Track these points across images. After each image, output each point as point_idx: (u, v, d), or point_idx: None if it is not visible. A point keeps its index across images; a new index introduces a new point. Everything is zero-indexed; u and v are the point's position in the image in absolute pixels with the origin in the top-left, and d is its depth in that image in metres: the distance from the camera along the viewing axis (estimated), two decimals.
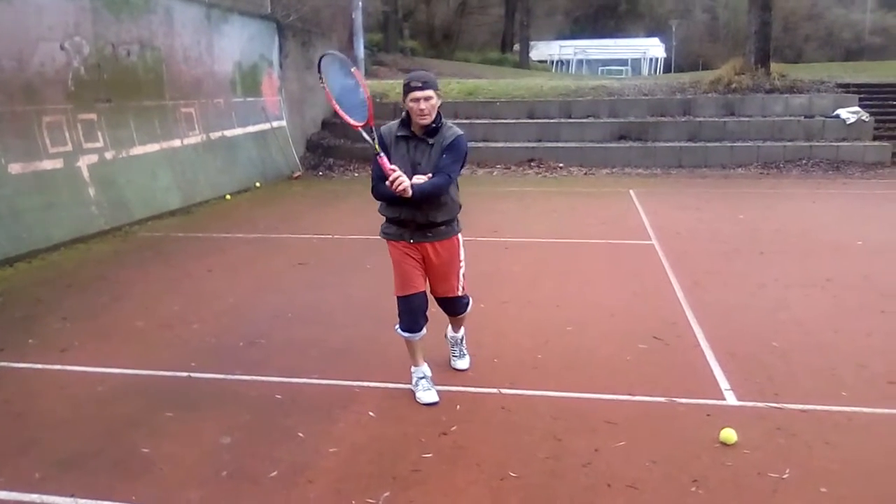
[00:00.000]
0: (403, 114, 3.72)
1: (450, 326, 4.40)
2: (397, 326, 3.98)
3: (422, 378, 4.01)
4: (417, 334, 3.94)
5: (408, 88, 3.60)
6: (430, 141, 3.69)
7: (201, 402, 4.01)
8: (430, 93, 3.58)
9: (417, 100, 3.57)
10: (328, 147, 16.01)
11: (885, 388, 4.07)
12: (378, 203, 3.91)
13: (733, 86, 16.27)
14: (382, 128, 3.74)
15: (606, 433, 3.56)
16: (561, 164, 14.82)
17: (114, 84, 9.50)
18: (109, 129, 9.37)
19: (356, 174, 14.80)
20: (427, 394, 3.94)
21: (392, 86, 18.65)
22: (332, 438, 3.54)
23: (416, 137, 3.70)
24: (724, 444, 3.42)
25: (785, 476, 3.15)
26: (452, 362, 4.41)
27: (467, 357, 4.44)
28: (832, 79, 17.09)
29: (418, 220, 3.79)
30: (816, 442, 3.45)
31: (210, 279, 6.74)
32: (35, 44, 8.14)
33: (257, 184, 12.86)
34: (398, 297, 3.93)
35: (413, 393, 3.99)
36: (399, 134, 3.70)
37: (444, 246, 3.89)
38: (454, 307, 4.14)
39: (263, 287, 6.40)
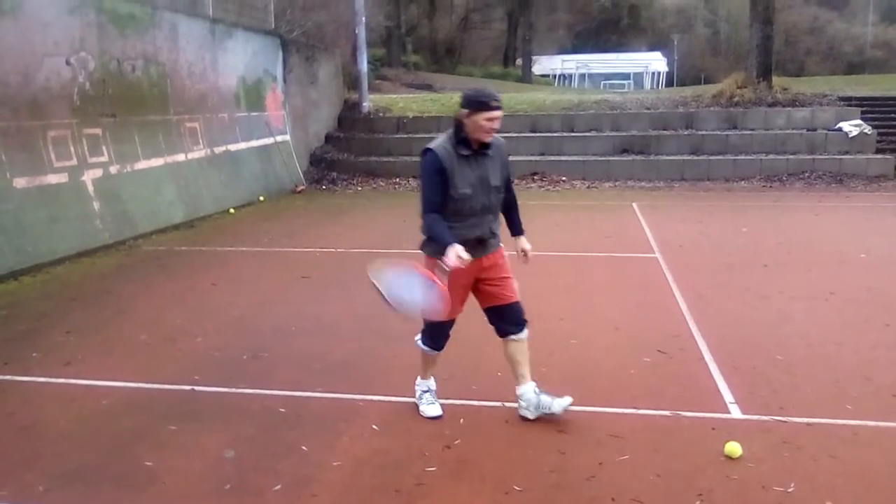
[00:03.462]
0: (453, 131, 3.55)
1: (521, 381, 3.84)
2: (420, 341, 3.90)
3: (426, 391, 3.99)
4: (440, 351, 3.91)
5: (485, 107, 3.44)
6: (489, 153, 3.62)
7: (205, 415, 4.01)
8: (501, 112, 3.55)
9: (493, 119, 3.47)
10: (331, 161, 16.07)
11: (890, 401, 4.06)
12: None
13: (735, 99, 16.31)
14: (438, 152, 3.50)
15: (611, 446, 3.55)
16: (564, 178, 14.85)
17: (119, 99, 9.57)
18: (114, 143, 9.41)
19: (359, 188, 14.84)
20: (431, 407, 3.93)
21: (395, 100, 18.76)
22: (336, 452, 3.54)
23: (476, 153, 3.58)
24: (728, 457, 3.40)
25: (790, 490, 3.13)
26: (550, 407, 3.80)
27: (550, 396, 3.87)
28: (834, 92, 17.13)
29: (484, 234, 3.70)
30: (822, 455, 3.44)
31: (214, 293, 6.75)
32: (41, 59, 8.20)
33: (261, 198, 12.90)
34: (434, 323, 3.74)
35: (416, 406, 3.99)
36: (463, 154, 3.53)
37: (497, 254, 3.82)
38: (518, 313, 3.82)
39: (267, 300, 6.41)
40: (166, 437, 3.74)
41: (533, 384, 3.85)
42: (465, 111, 3.48)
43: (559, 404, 3.78)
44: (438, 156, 3.50)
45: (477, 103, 3.46)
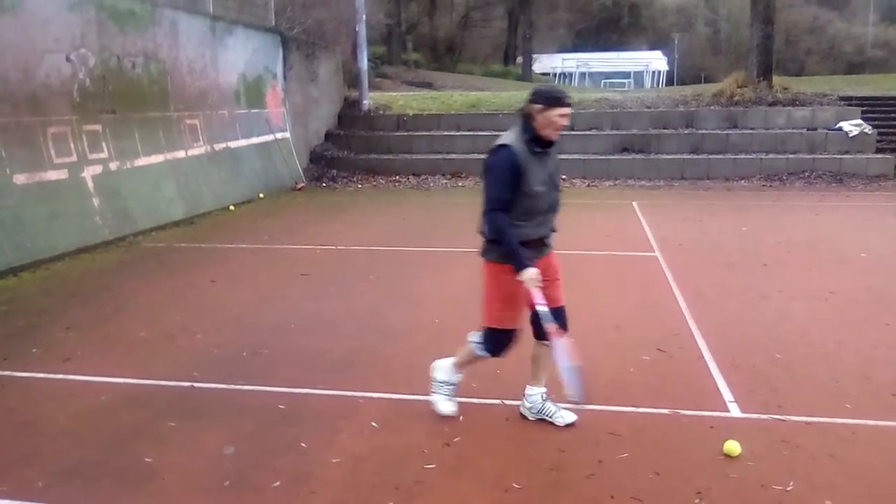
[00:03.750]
0: (521, 128, 3.48)
1: (535, 383, 3.84)
2: (481, 349, 3.71)
3: (449, 384, 3.90)
4: (497, 357, 3.81)
5: (559, 102, 3.42)
6: (551, 151, 3.61)
7: (204, 411, 4.01)
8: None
9: (565, 116, 3.46)
10: (331, 158, 16.07)
11: (889, 400, 4.06)
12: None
13: (736, 98, 16.31)
14: (515, 148, 3.42)
15: (610, 445, 3.56)
16: (564, 177, 14.79)
17: (119, 95, 9.56)
18: (114, 140, 9.41)
19: (359, 186, 14.84)
20: (446, 404, 3.88)
21: (395, 98, 18.76)
22: (335, 449, 3.54)
23: (545, 151, 3.55)
24: (727, 456, 3.41)
25: (789, 488, 3.14)
26: (552, 417, 3.81)
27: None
28: (834, 92, 17.13)
29: (546, 234, 3.69)
30: (821, 454, 3.44)
31: (213, 289, 6.75)
32: (41, 55, 8.19)
33: (261, 195, 12.90)
34: (503, 329, 3.62)
35: (419, 401, 3.98)
36: (536, 151, 3.47)
37: (552, 254, 3.80)
38: (563, 319, 3.72)
39: (266, 297, 6.41)
40: (166, 433, 3.74)
41: (544, 390, 3.83)
42: (538, 107, 3.42)
43: (562, 418, 3.77)
44: (516, 152, 3.41)
45: (552, 98, 3.43)
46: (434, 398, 3.91)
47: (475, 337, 3.78)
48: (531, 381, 3.84)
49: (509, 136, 3.50)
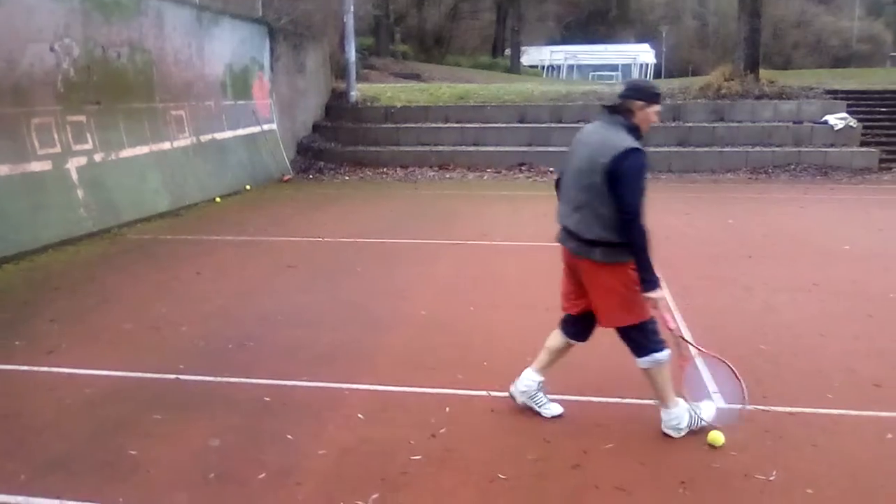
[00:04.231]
0: (626, 126, 3.39)
1: (536, 369, 3.82)
2: (657, 350, 3.47)
3: (699, 408, 3.65)
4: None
5: (659, 99, 3.45)
6: None
7: (189, 404, 3.99)
8: None
9: (659, 113, 3.47)
10: (318, 150, 16.01)
11: (871, 390, 4.10)
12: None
13: (723, 91, 16.36)
14: (645, 154, 3.33)
15: (595, 435, 3.57)
16: (552, 169, 14.83)
17: (103, 86, 9.46)
18: (98, 131, 9.33)
19: (346, 178, 14.79)
20: (710, 405, 3.68)
21: (383, 89, 18.68)
22: (321, 441, 3.54)
23: None
24: (711, 446, 3.43)
25: (772, 478, 3.16)
26: (539, 405, 3.82)
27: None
28: (820, 85, 17.21)
29: None
30: (803, 444, 3.48)
31: (199, 282, 6.71)
32: (24, 45, 8.09)
33: (247, 187, 12.83)
34: (651, 320, 3.47)
35: (407, 395, 3.97)
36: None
37: None
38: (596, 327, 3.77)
39: (252, 290, 6.39)
40: (150, 426, 3.72)
41: (543, 380, 3.81)
42: (641, 103, 3.39)
43: (549, 410, 3.78)
44: (645, 155, 3.32)
45: (654, 95, 3.43)
46: (702, 418, 3.60)
47: (644, 357, 3.49)
48: (535, 367, 3.81)
49: (626, 137, 3.34)
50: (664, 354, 3.48)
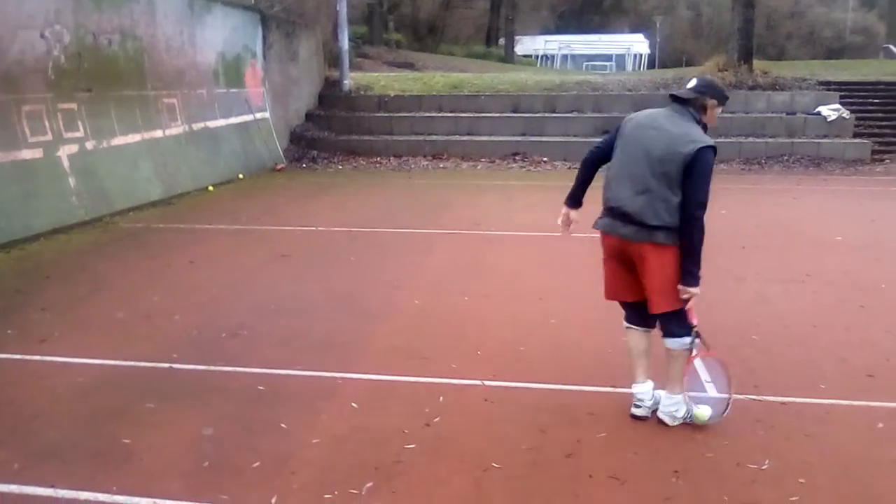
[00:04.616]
0: (696, 122, 3.44)
1: (645, 378, 3.74)
2: (688, 335, 3.51)
3: (690, 395, 3.69)
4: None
5: (726, 101, 3.53)
6: None
7: (183, 393, 3.98)
8: None
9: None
10: (312, 139, 15.94)
11: (863, 380, 4.13)
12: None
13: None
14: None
15: (589, 424, 3.58)
16: (545, 159, 14.85)
17: (94, 73, 9.39)
18: (90, 118, 9.26)
19: (340, 167, 14.75)
20: (705, 409, 3.61)
21: (377, 78, 18.60)
22: (315, 429, 3.54)
23: None
24: (696, 419, 3.52)
25: (764, 467, 3.18)
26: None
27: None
28: (814, 76, 17.23)
29: None
30: (795, 434, 3.50)
31: (191, 270, 6.69)
32: (14, 32, 8.01)
33: (240, 175, 12.78)
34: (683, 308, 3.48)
35: (400, 384, 3.97)
36: None
37: None
38: None
39: (245, 279, 6.37)
40: (144, 414, 3.71)
41: (652, 383, 3.70)
42: (714, 101, 3.45)
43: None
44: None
45: (726, 98, 3.53)
46: (694, 416, 3.58)
47: (682, 338, 3.51)
48: (641, 378, 3.68)
49: (700, 133, 3.38)
50: (692, 341, 3.53)
